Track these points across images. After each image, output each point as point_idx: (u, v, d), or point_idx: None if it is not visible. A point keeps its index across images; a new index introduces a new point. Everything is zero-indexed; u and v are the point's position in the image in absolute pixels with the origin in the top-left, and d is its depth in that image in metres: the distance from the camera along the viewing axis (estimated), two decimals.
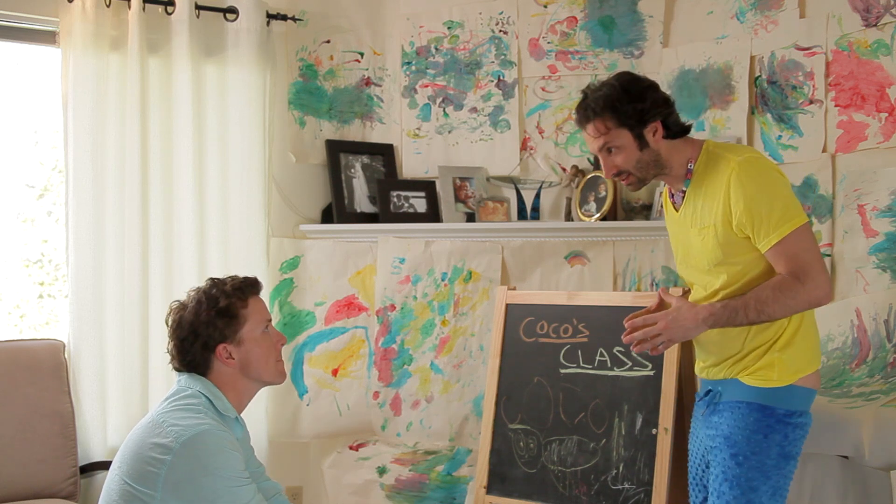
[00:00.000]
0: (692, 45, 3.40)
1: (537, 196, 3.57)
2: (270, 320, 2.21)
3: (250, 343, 2.13)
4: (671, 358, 2.75)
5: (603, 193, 3.42)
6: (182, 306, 2.14)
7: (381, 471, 3.59)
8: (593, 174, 3.46)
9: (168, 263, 3.26)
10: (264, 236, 3.47)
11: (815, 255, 2.13)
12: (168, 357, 3.11)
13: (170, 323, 2.14)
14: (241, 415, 2.19)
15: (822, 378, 2.79)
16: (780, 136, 3.10)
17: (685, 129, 2.29)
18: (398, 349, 3.55)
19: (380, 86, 3.77)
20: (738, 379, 2.23)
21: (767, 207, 2.11)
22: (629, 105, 2.20)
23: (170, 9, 3.27)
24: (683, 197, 2.30)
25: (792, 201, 2.16)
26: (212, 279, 2.17)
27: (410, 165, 3.73)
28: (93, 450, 3.13)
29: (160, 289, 3.24)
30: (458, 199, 3.62)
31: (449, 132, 3.70)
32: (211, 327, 2.09)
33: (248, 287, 2.17)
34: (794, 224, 2.11)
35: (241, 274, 2.23)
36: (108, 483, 2.03)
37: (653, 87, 2.27)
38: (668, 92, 3.38)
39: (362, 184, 3.68)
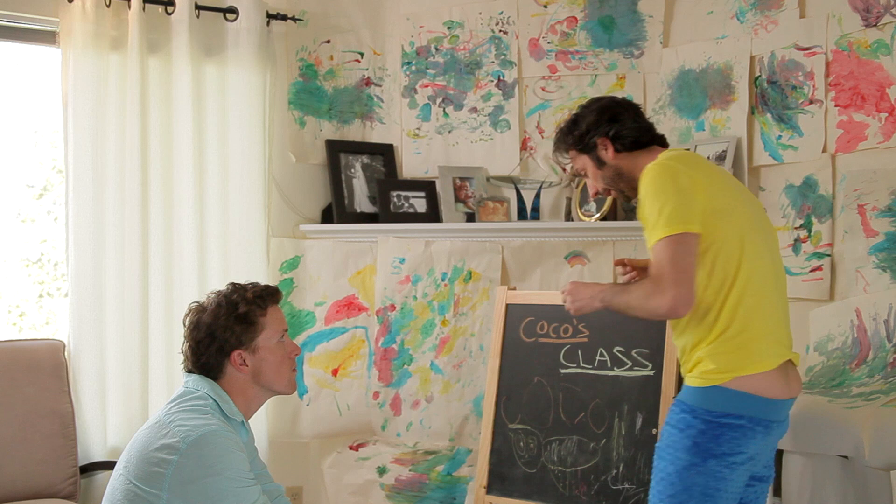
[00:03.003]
0: (692, 45, 3.40)
1: (537, 196, 3.57)
2: (287, 330, 2.21)
3: (265, 351, 2.13)
4: (671, 358, 2.75)
5: None
6: (201, 308, 2.14)
7: (381, 471, 3.59)
8: None
9: (168, 263, 3.26)
10: (264, 236, 3.47)
11: (675, 268, 2.08)
12: (166, 357, 3.22)
13: (187, 323, 2.14)
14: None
15: (822, 378, 2.80)
16: (780, 136, 3.10)
17: (638, 140, 2.34)
18: (398, 349, 3.55)
19: (380, 86, 3.77)
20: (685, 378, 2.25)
21: (648, 210, 2.15)
22: (569, 135, 2.42)
23: (170, 9, 3.27)
24: None
25: (678, 208, 2.10)
26: (233, 284, 2.17)
27: (410, 165, 3.73)
28: (93, 450, 3.13)
29: (160, 289, 3.23)
30: (458, 199, 3.62)
31: (449, 132, 3.70)
32: (228, 332, 2.09)
33: (269, 296, 2.17)
34: (667, 232, 2.09)
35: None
36: (113, 484, 2.02)
37: (591, 108, 2.40)
38: (668, 92, 3.44)
39: (362, 184, 3.68)
